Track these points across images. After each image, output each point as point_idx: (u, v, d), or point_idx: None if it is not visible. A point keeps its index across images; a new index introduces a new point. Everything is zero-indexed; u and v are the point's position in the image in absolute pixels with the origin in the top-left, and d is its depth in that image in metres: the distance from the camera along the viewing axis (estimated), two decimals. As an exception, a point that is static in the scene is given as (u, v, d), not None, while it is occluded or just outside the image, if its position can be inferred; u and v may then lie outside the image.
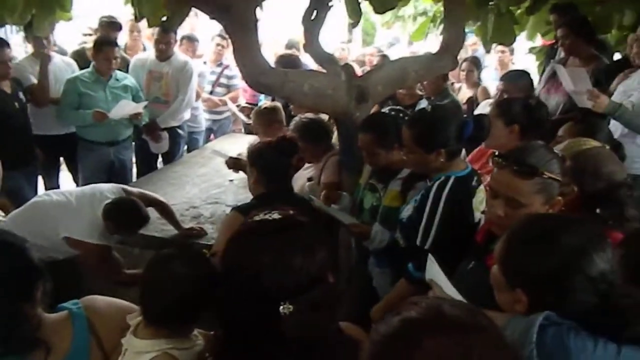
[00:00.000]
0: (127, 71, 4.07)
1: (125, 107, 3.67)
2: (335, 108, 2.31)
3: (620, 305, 0.97)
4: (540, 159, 1.36)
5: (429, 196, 1.83)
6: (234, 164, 2.83)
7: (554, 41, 3.80)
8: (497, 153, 1.51)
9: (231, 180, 3.32)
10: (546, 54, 3.86)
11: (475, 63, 4.40)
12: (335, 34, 7.52)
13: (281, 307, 0.89)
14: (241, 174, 2.96)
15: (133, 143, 4.15)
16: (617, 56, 3.34)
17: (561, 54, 3.39)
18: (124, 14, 4.37)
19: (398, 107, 3.11)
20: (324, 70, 2.51)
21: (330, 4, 2.49)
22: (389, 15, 9.01)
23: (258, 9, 2.34)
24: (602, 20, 3.05)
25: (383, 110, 3.15)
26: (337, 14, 2.65)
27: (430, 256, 1.38)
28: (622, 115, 2.49)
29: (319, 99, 2.23)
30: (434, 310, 0.62)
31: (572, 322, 0.98)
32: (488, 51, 4.22)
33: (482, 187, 1.88)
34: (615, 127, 2.65)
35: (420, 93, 3.78)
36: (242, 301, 0.94)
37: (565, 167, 1.47)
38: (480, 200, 1.83)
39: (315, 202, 2.24)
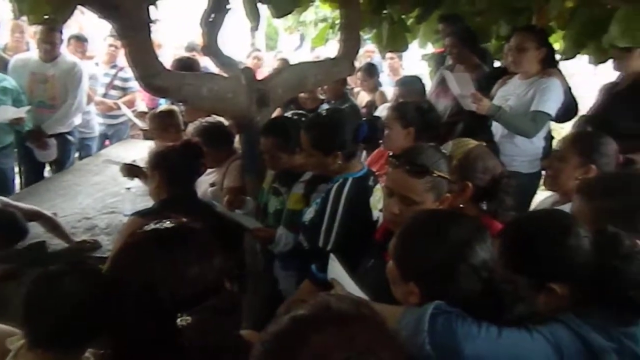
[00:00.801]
0: (6, 72, 3.71)
1: (5, 112, 3.35)
2: (235, 112, 2.28)
3: (501, 290, 1.05)
4: (430, 158, 1.45)
5: (329, 198, 1.88)
6: (129, 170, 2.70)
7: (443, 49, 4.07)
8: (391, 154, 1.58)
9: (128, 188, 3.16)
10: (436, 61, 4.12)
11: (370, 69, 4.58)
12: (239, 39, 7.45)
13: (179, 319, 0.86)
14: (138, 182, 2.83)
15: (15, 150, 3.80)
16: (496, 64, 3.65)
17: (449, 61, 3.63)
18: (5, 11, 3.99)
19: (300, 112, 3.16)
20: (224, 74, 2.48)
21: (228, 6, 2.46)
22: (291, 20, 9.09)
23: (152, 8, 2.25)
24: (482, 31, 3.32)
25: (285, 114, 3.19)
26: (240, 18, 2.63)
27: (332, 256, 1.42)
28: (502, 117, 2.72)
29: (218, 103, 2.19)
30: (321, 306, 0.64)
31: (459, 310, 1.05)
32: (383, 57, 4.42)
33: (378, 186, 1.96)
34: (496, 129, 2.89)
35: (321, 97, 3.87)
36: (136, 316, 0.89)
37: (453, 165, 1.58)
38: (377, 199, 1.91)
39: (219, 207, 2.21)
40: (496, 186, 1.65)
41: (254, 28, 2.69)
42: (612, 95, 2.83)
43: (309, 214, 1.97)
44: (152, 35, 2.06)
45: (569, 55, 2.80)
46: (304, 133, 1.94)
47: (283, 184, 2.26)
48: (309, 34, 7.59)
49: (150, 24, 2.04)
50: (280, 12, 2.16)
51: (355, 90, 4.97)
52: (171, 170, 1.96)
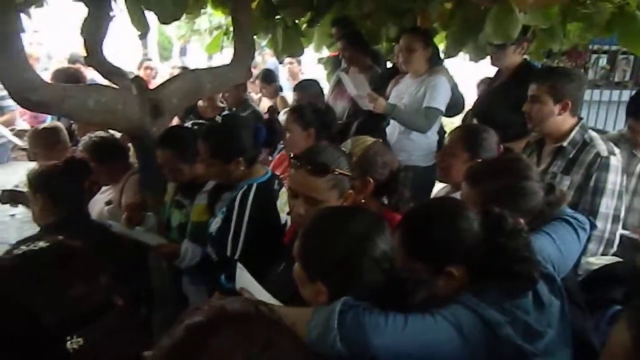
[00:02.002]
0: None
1: None
2: (128, 124, 2.16)
3: (402, 279, 1.09)
4: (330, 157, 1.48)
5: (234, 206, 1.84)
6: (9, 197, 2.46)
7: (338, 53, 4.18)
8: (292, 155, 1.58)
9: (12, 215, 2.87)
10: (332, 64, 4.23)
11: (268, 75, 4.60)
12: (130, 49, 7.11)
13: (68, 342, 0.79)
14: (23, 207, 2.58)
15: None
16: (389, 65, 3.82)
17: (344, 63, 3.74)
18: None
19: (200, 121, 3.08)
20: (114, 85, 2.34)
21: (111, 13, 2.33)
22: (183, 28, 8.85)
23: (24, 17, 2.07)
24: (372, 33, 3.46)
25: (185, 124, 3.09)
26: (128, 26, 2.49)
27: (239, 264, 1.39)
28: (397, 114, 2.85)
29: (108, 115, 2.06)
30: (215, 310, 0.62)
31: (366, 303, 1.07)
32: (281, 62, 4.46)
33: (284, 189, 1.95)
34: (394, 127, 3.01)
35: (222, 105, 3.81)
36: (22, 346, 0.80)
37: (353, 162, 1.62)
38: (284, 202, 1.91)
39: (116, 226, 2.08)
40: (395, 180, 1.72)
41: (143, 36, 2.58)
42: (491, 89, 3.07)
43: (215, 224, 1.92)
44: (28, 48, 1.89)
45: (452, 53, 2.99)
46: (201, 142, 1.89)
47: (186, 196, 2.19)
48: (203, 41, 7.45)
49: (22, 35, 1.87)
50: (167, 17, 2.08)
51: (256, 96, 4.96)
52: (55, 191, 1.82)
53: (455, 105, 3.10)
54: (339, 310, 1.04)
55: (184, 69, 4.86)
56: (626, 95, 4.49)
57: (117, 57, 2.40)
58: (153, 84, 2.98)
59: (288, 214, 1.82)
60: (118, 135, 2.62)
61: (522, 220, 1.29)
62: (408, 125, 2.91)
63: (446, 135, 3.05)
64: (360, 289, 1.08)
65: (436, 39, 3.17)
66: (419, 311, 1.08)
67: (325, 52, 4.66)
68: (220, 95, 3.77)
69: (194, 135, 2.09)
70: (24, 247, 0.82)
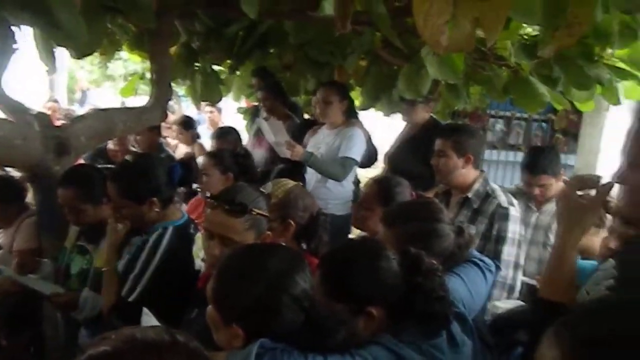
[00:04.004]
0: None
1: None
2: (27, 161, 1.99)
3: (322, 318, 1.06)
4: (249, 197, 1.45)
5: (144, 248, 1.73)
6: None
7: (257, 103, 4.23)
8: (209, 194, 1.54)
9: None
10: (251, 114, 4.26)
11: (187, 121, 4.53)
12: (36, 90, 6.72)
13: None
14: None
15: None
16: (306, 116, 3.92)
17: (263, 113, 3.78)
18: None
19: (109, 166, 2.92)
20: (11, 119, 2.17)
21: (15, 46, 2.19)
22: (97, 73, 8.57)
23: None
24: (291, 85, 3.56)
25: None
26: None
27: (144, 310, 1.29)
28: (314, 162, 2.91)
29: (4, 150, 1.89)
30: (125, 339, 0.56)
31: (284, 345, 1.02)
32: (198, 109, 4.42)
33: (199, 234, 1.87)
34: (311, 175, 3.06)
35: (134, 149, 3.66)
36: None
37: (272, 204, 1.60)
38: (199, 248, 1.82)
39: (6, 272, 1.87)
40: (315, 223, 1.72)
41: (50, 72, 2.44)
42: (402, 142, 3.24)
43: (120, 267, 1.78)
44: None
45: (366, 107, 3.14)
46: (111, 183, 1.78)
47: (90, 241, 2.03)
48: (117, 87, 7.24)
49: None
50: (80, 52, 1.99)
51: (173, 142, 4.85)
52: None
53: (369, 156, 3.23)
54: (256, 354, 0.98)
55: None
56: (520, 156, 4.94)
57: (21, 97, 2.24)
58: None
59: (203, 260, 1.75)
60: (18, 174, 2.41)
61: (435, 262, 1.33)
62: (324, 174, 2.96)
63: (361, 185, 3.16)
64: (279, 329, 1.04)
65: (352, 94, 3.32)
66: (338, 352, 1.05)
67: (244, 103, 4.71)
68: (133, 138, 3.63)
69: (100, 173, 1.97)
70: None
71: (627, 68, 2.10)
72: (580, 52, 1.87)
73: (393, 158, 3.28)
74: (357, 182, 3.27)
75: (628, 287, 0.94)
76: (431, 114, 3.21)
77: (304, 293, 1.07)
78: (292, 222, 1.66)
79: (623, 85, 2.32)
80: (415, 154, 2.99)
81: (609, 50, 1.96)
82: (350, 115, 3.11)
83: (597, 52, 1.97)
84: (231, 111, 5.25)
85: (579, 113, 4.88)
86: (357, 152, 2.97)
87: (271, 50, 3.19)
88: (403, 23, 1.89)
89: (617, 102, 2.38)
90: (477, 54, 2.13)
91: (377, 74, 2.87)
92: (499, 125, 5.67)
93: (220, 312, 1.09)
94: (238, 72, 3.64)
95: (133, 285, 1.67)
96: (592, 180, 1.12)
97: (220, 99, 3.52)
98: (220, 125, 5.18)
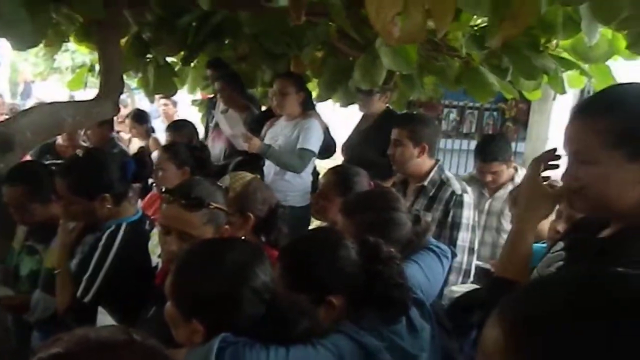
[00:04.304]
0: None
1: None
2: (-33, 159, 1.89)
3: (283, 310, 1.07)
4: (205, 191, 1.43)
5: (97, 246, 1.68)
6: None
7: (212, 95, 4.16)
8: (164, 189, 1.51)
9: None
10: (207, 106, 4.19)
11: (140, 115, 4.41)
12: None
13: None
14: None
15: None
16: (263, 108, 3.89)
17: (219, 106, 3.73)
18: None
19: (58, 162, 2.81)
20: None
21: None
22: (42, 66, 8.19)
23: None
24: (247, 77, 3.51)
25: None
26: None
27: (100, 309, 1.26)
28: (272, 154, 2.89)
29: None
30: (77, 340, 0.54)
31: (246, 338, 1.02)
32: (152, 102, 4.31)
33: (155, 230, 1.83)
34: (269, 168, 3.04)
35: (84, 144, 3.53)
36: None
37: (230, 197, 1.59)
38: (155, 244, 1.78)
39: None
40: (274, 216, 1.72)
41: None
42: (360, 133, 3.27)
43: (73, 267, 1.72)
44: None
45: (323, 98, 3.14)
46: (60, 179, 1.71)
47: (39, 240, 1.95)
48: (64, 80, 6.96)
49: None
50: (23, 45, 1.90)
51: (126, 137, 4.71)
52: None
53: (327, 148, 3.24)
54: (218, 348, 0.98)
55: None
56: (473, 144, 5.09)
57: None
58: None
59: (159, 256, 1.71)
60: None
61: (393, 250, 1.36)
62: (282, 166, 2.96)
63: (320, 176, 3.17)
64: (240, 323, 1.04)
65: (309, 85, 3.31)
66: (300, 342, 1.06)
67: (199, 95, 4.62)
68: (83, 133, 3.50)
69: (49, 171, 1.89)
70: None
71: (571, 58, 2.19)
72: (527, 43, 1.94)
73: (351, 148, 3.31)
74: (315, 173, 3.27)
75: (574, 267, 0.98)
76: (387, 104, 3.25)
77: (265, 285, 1.07)
78: (251, 215, 1.65)
79: (567, 75, 2.42)
80: (372, 144, 3.02)
81: (554, 41, 2.04)
82: (308, 107, 3.10)
83: (543, 43, 2.04)
84: (186, 104, 5.14)
85: (527, 102, 5.06)
86: (314, 143, 2.98)
87: (226, 41, 3.14)
88: (358, 14, 1.90)
89: (562, 91, 2.49)
90: (430, 45, 2.18)
91: (333, 65, 2.87)
92: (453, 115, 5.82)
93: (179, 307, 1.07)
94: (192, 64, 3.56)
95: (88, 285, 1.61)
96: (549, 156, 1.16)
97: (175, 92, 3.45)
98: (175, 118, 5.08)
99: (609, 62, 2.20)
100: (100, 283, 1.60)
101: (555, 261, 1.05)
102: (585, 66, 2.24)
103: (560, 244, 1.11)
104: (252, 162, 2.72)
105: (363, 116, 3.32)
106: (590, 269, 0.59)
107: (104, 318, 1.23)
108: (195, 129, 3.34)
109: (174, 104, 5.33)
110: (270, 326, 1.04)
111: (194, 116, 4.52)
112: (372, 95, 3.02)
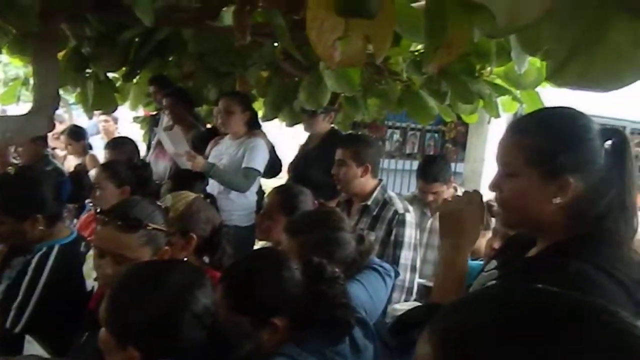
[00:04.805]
0: None
1: None
2: None
3: (225, 334, 1.04)
4: (143, 211, 1.38)
5: (27, 271, 1.58)
6: None
7: (155, 112, 4.07)
8: (99, 209, 1.45)
9: None
10: (149, 123, 4.08)
11: (76, 132, 4.25)
12: None
13: None
14: None
15: None
16: (208, 126, 3.84)
17: (164, 122, 3.65)
18: None
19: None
20: None
21: None
22: (-31, 78, 7.71)
23: None
24: (193, 95, 3.46)
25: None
26: None
27: (27, 338, 1.19)
28: (216, 173, 2.85)
29: None
30: None
31: (184, 363, 0.99)
32: (90, 118, 4.16)
33: (91, 252, 1.75)
34: (213, 186, 2.99)
35: (15, 161, 3.34)
36: None
37: (171, 218, 1.55)
38: (91, 267, 1.70)
39: None
40: (217, 236, 1.69)
41: None
42: (305, 152, 3.30)
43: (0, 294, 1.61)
44: None
45: (269, 118, 3.15)
46: None
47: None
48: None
49: None
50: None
51: (62, 154, 4.50)
52: None
53: (273, 167, 3.23)
54: (155, 376, 0.94)
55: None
56: (415, 164, 5.25)
57: None
58: None
59: (95, 279, 1.64)
60: None
61: (337, 270, 1.37)
62: (227, 185, 2.92)
63: (265, 196, 3.15)
64: (179, 348, 1.00)
65: (255, 105, 3.31)
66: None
67: (141, 112, 4.50)
68: (14, 149, 3.31)
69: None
70: None
71: (504, 84, 2.32)
72: (464, 69, 2.03)
73: (296, 168, 3.32)
74: (261, 192, 3.25)
75: (503, 284, 1.03)
76: (332, 125, 3.30)
77: (206, 309, 1.04)
78: (194, 236, 1.62)
79: (501, 100, 2.56)
80: (317, 164, 3.05)
81: (489, 68, 2.15)
82: (253, 126, 3.10)
83: (478, 69, 2.15)
84: (127, 120, 4.99)
85: (465, 124, 5.29)
86: (260, 162, 2.97)
87: (170, 58, 3.09)
88: (303, 36, 1.92)
89: (497, 115, 2.62)
90: (373, 68, 2.23)
91: (278, 85, 2.89)
92: (396, 136, 5.97)
93: (113, 334, 1.03)
94: (135, 80, 3.47)
95: (17, 314, 1.51)
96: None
97: (115, 108, 3.34)
98: (116, 135, 4.92)
99: (539, 89, 2.35)
100: (31, 311, 1.51)
101: (489, 279, 1.09)
102: (517, 92, 2.38)
103: (494, 262, 1.16)
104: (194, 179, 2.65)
105: (309, 136, 3.35)
106: (516, 286, 0.62)
107: (32, 347, 1.15)
108: (137, 146, 3.24)
109: (115, 120, 5.17)
110: (211, 351, 1.01)
111: (136, 133, 4.40)
112: (317, 115, 3.06)
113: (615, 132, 1.01)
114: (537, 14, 0.57)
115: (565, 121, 1.01)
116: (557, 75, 0.70)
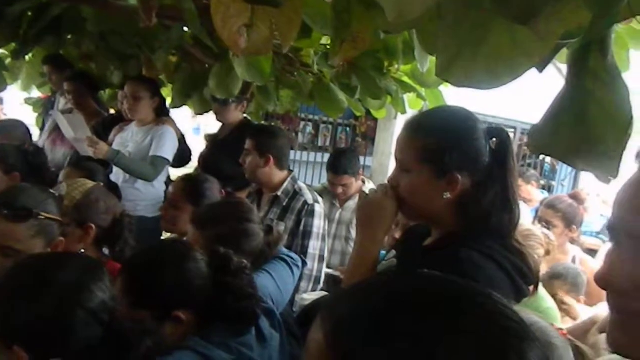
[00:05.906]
0: None
1: None
2: None
3: (125, 330, 1.00)
4: (34, 199, 1.29)
5: None
6: None
7: (50, 94, 3.76)
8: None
9: None
10: (44, 106, 3.77)
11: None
12: None
13: None
14: None
15: None
16: (112, 111, 3.62)
17: (60, 104, 3.38)
18: None
19: None
20: None
21: None
22: None
23: None
24: (97, 78, 3.24)
25: None
26: None
27: None
28: (121, 161, 2.70)
29: None
30: None
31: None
32: (-26, 97, 3.76)
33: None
34: (117, 175, 2.83)
35: None
36: None
37: (67, 207, 1.45)
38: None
39: None
40: (119, 226, 1.60)
41: None
42: (216, 143, 3.22)
43: None
44: None
45: (177, 105, 3.03)
46: None
47: None
48: None
49: None
50: None
51: None
52: None
53: (182, 156, 3.13)
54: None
55: None
56: (327, 157, 5.35)
57: None
58: None
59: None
60: None
61: (244, 261, 1.36)
62: (133, 173, 2.79)
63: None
64: (72, 348, 0.94)
65: (163, 91, 3.17)
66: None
67: (35, 93, 4.14)
68: None
69: None
70: None
71: (410, 82, 2.42)
72: (373, 65, 2.09)
73: (206, 158, 3.24)
74: (169, 181, 3.13)
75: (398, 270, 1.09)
76: (245, 115, 3.26)
77: (103, 305, 0.98)
78: (93, 226, 1.52)
79: (408, 97, 2.67)
80: (228, 154, 3.00)
81: (396, 65, 2.23)
82: (162, 113, 2.98)
83: (386, 66, 2.23)
84: (17, 102, 4.57)
85: (375, 119, 5.47)
86: (168, 151, 2.86)
87: (68, 37, 2.86)
88: (212, 21, 1.86)
89: (403, 111, 2.73)
90: (285, 59, 2.23)
91: (187, 72, 2.79)
92: (309, 128, 6.03)
93: (-2, 333, 0.94)
94: (27, 58, 3.18)
95: None
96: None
97: (4, 88, 3.04)
98: (2, 117, 4.49)
99: (442, 88, 2.48)
100: None
101: (388, 267, 1.15)
102: (422, 90, 2.49)
103: (393, 252, 1.21)
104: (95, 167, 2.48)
105: (222, 126, 3.28)
106: (404, 272, 0.66)
107: None
108: (28, 130, 2.98)
109: (1, 101, 4.71)
110: (108, 349, 0.96)
111: (27, 116, 4.04)
112: (228, 104, 3.00)
113: (498, 132, 1.11)
114: (421, 8, 0.60)
115: (455, 121, 1.09)
116: (445, 73, 0.75)
